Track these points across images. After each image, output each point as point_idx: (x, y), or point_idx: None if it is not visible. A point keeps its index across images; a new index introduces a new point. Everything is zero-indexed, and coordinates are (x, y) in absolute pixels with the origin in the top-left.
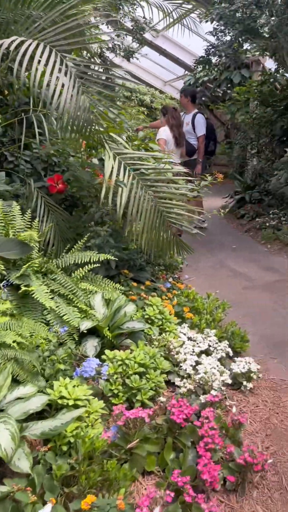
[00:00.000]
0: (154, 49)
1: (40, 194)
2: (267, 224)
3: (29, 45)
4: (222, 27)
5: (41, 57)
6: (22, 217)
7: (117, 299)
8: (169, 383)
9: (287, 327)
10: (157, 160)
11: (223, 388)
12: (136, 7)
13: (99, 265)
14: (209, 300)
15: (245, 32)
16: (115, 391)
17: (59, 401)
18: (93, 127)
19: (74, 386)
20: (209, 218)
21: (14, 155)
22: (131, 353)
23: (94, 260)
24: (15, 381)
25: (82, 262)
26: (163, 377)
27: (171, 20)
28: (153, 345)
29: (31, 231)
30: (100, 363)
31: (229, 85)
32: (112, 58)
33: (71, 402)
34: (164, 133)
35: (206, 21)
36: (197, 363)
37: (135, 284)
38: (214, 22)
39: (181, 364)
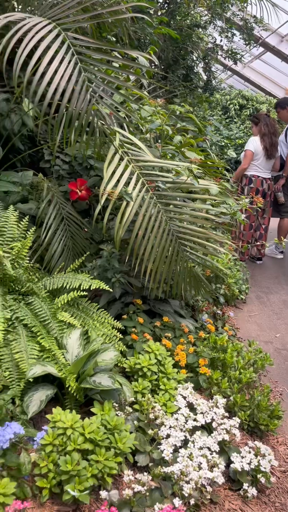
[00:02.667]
0: (276, 55)
1: (57, 200)
2: None
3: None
4: None
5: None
6: (17, 224)
7: (94, 341)
8: (136, 466)
9: None
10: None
11: (208, 488)
12: (246, 5)
13: (86, 293)
14: (249, 350)
15: None
16: (44, 470)
17: None
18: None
19: None
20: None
21: (52, 154)
22: (84, 419)
23: (85, 287)
24: None
25: (71, 287)
26: (118, 460)
27: None
28: (125, 411)
29: (19, 242)
30: (20, 431)
31: None
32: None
33: None
34: (252, 143)
35: None
36: (185, 442)
37: (141, 320)
38: None
39: (161, 442)
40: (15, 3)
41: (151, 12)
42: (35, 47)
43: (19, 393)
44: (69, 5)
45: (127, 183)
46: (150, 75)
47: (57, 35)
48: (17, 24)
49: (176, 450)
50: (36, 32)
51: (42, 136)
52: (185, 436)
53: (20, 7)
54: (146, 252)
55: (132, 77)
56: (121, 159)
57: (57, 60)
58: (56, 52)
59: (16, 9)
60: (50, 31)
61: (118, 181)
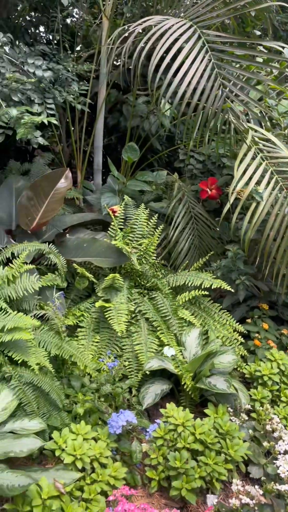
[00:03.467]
0: None
1: (187, 198)
2: None
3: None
4: None
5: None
6: (146, 222)
7: (213, 342)
8: (249, 477)
9: None
10: None
11: None
12: None
13: (207, 293)
14: None
15: None
16: (154, 462)
17: (57, 453)
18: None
19: (85, 439)
20: None
21: (187, 154)
22: (196, 418)
23: (206, 286)
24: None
25: (192, 285)
26: (228, 467)
27: None
28: (240, 417)
29: (146, 239)
30: (133, 420)
31: None
32: None
33: (68, 459)
34: None
35: None
36: None
37: (266, 325)
38: None
39: (277, 457)
40: (159, 7)
41: None
42: (168, 49)
43: (136, 383)
44: (208, 2)
45: (259, 182)
46: None
47: (193, 34)
48: (155, 27)
49: None
50: (171, 34)
51: (180, 136)
52: None
53: (165, 11)
54: (278, 254)
55: (275, 71)
56: (254, 156)
57: (190, 59)
58: (191, 50)
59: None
60: (185, 31)
61: (250, 179)
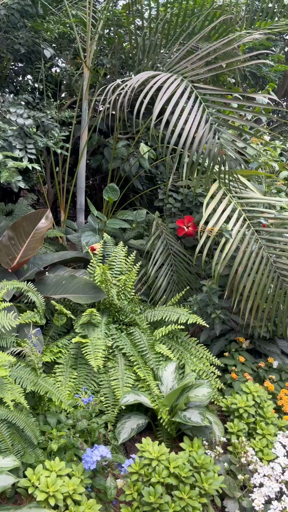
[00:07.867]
0: None
1: (165, 236)
2: None
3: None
4: None
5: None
6: (125, 259)
7: (188, 375)
8: None
9: None
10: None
11: None
12: None
13: (183, 327)
14: None
15: None
16: (129, 498)
17: (30, 490)
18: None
19: (59, 476)
20: None
21: (165, 193)
22: (171, 452)
23: (182, 321)
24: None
25: (169, 320)
26: (203, 501)
27: None
28: (215, 450)
29: (125, 275)
30: (107, 455)
31: None
32: None
33: (40, 496)
34: None
35: None
36: (281, 494)
37: (242, 358)
38: None
39: (253, 490)
40: (142, 58)
41: (274, 49)
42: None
43: (113, 419)
44: (193, 60)
45: (228, 220)
46: (268, 111)
47: (180, 85)
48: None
49: (268, 501)
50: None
51: (160, 176)
52: (281, 488)
53: (142, 62)
54: (246, 288)
55: (249, 115)
56: (224, 196)
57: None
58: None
59: (142, 64)
60: (172, 82)
61: (219, 218)
